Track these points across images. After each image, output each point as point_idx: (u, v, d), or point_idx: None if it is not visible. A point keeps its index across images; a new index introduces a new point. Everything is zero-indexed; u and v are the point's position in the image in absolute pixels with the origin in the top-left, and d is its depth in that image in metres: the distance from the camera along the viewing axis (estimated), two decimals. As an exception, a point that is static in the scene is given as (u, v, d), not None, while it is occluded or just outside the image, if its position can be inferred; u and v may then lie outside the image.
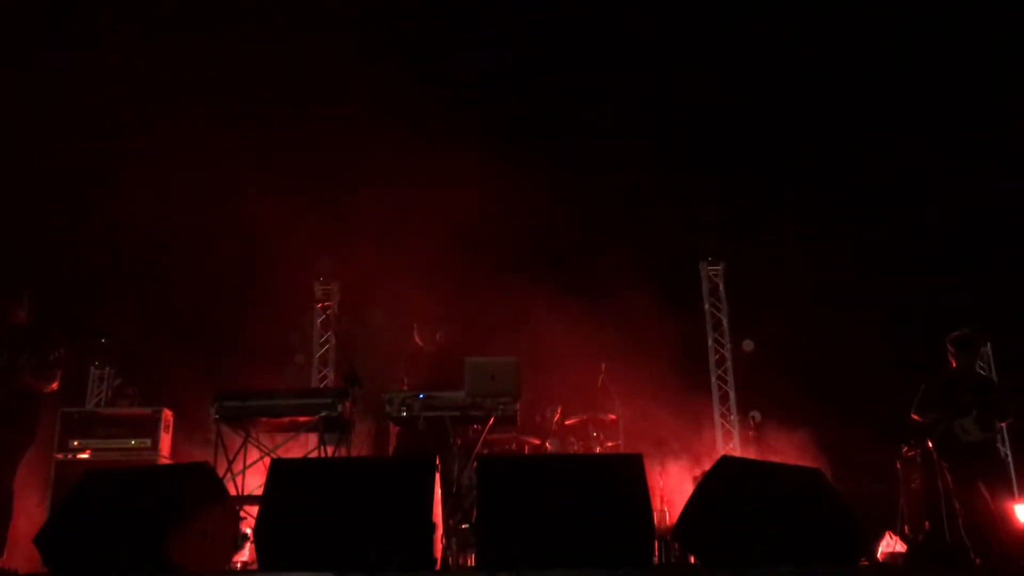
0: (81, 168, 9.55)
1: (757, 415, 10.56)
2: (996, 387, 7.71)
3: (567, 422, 8.95)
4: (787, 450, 9.76)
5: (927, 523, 8.01)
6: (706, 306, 11.22)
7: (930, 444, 7.21)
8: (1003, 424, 7.34)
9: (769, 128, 10.71)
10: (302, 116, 10.47)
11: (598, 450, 8.76)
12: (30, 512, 7.11)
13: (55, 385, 6.33)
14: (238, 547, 5.25)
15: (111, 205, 9.63)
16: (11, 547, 6.03)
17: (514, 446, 8.40)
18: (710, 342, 11.09)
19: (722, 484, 4.82)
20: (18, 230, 9.46)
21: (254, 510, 5.50)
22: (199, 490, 4.76)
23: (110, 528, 4.56)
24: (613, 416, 9.02)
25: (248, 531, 5.76)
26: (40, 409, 6.35)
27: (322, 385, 11.07)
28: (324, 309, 10.84)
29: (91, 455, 8.00)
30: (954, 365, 7.30)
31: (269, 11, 9.93)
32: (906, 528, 8.49)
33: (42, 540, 4.56)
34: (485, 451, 7.13)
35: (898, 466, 8.79)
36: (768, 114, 10.64)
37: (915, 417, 7.26)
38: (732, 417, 10.77)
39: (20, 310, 6.37)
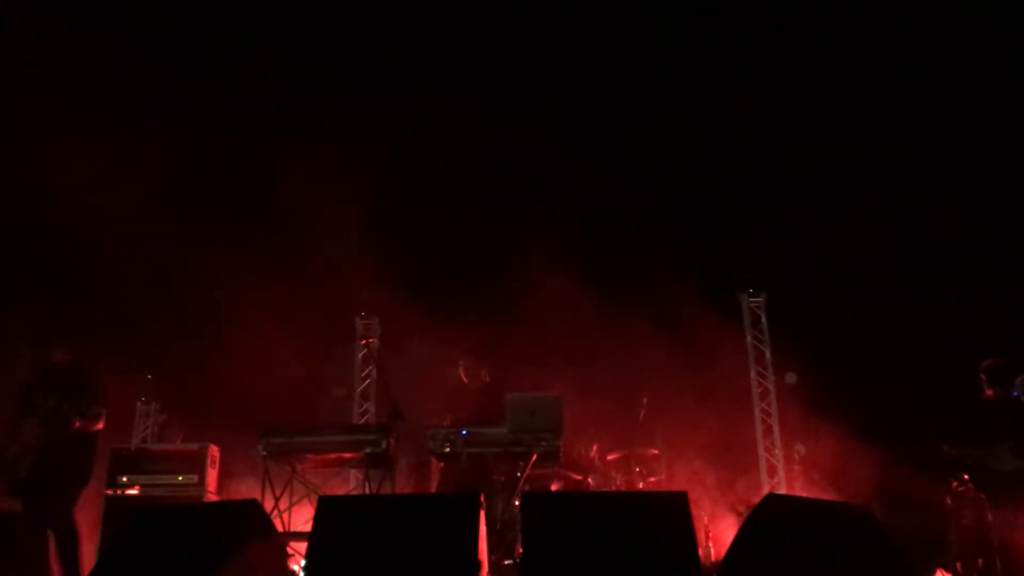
0: (125, 206, 9.77)
1: (802, 448, 10.42)
2: None
3: (609, 457, 8.91)
4: (833, 484, 9.62)
5: (980, 560, 7.82)
6: (748, 338, 11.13)
7: (966, 477, 7.06)
8: None
9: (809, 155, 10.65)
10: (342, 149, 10.65)
11: (640, 485, 8.70)
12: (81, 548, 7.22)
13: (101, 424, 6.50)
14: (286, 584, 5.31)
15: (155, 243, 9.85)
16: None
17: (555, 481, 8.38)
18: (752, 375, 10.99)
19: (768, 522, 4.78)
20: (68, 269, 9.71)
21: (300, 546, 5.57)
22: (248, 527, 4.83)
23: (161, 566, 4.64)
24: (655, 451, 8.97)
25: (296, 568, 5.82)
26: (94, 447, 6.53)
27: (363, 420, 11.15)
28: (367, 345, 10.94)
29: (140, 491, 8.13)
30: (988, 394, 7.15)
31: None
32: (958, 565, 8.28)
33: (96, 577, 4.66)
34: (527, 487, 7.13)
35: (948, 501, 8.59)
36: (806, 141, 10.60)
37: (947, 450, 7.12)
38: (776, 451, 10.63)
39: (62, 350, 6.55)
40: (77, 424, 6.31)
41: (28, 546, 6.00)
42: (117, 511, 7.86)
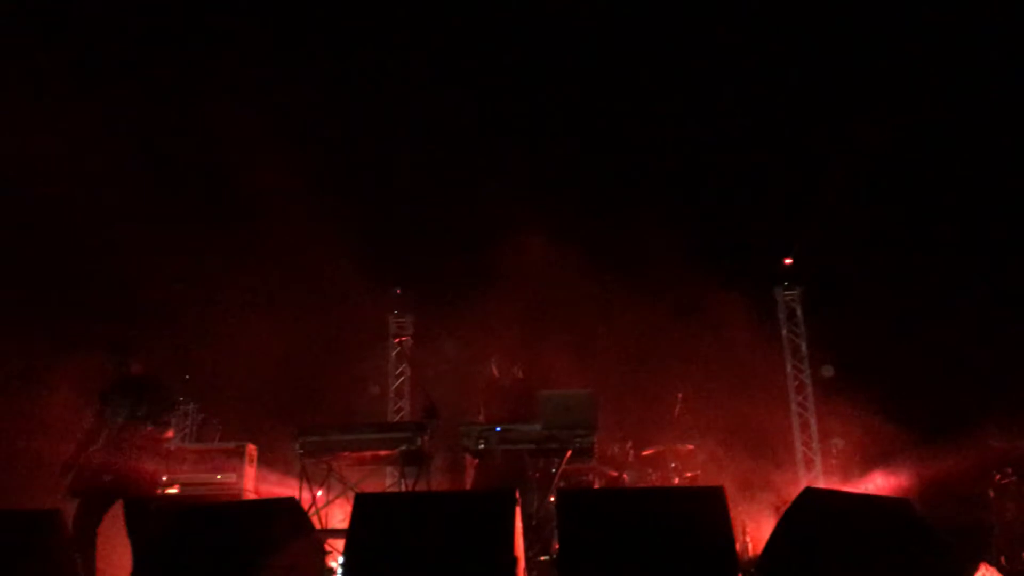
0: (174, 226, 9.91)
1: (839, 442, 10.32)
2: None
3: (644, 453, 8.88)
4: (872, 478, 9.52)
5: (1024, 553, 7.70)
6: (784, 332, 11.03)
7: (1009, 470, 6.94)
8: None
9: (841, 146, 10.51)
10: (378, 149, 10.68)
11: (676, 481, 8.67)
12: (125, 548, 7.34)
13: (171, 433, 6.70)
14: (324, 581, 5.35)
15: (189, 245, 9.98)
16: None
17: (591, 477, 8.37)
18: (788, 368, 10.90)
19: (806, 516, 4.74)
20: (104, 273, 9.83)
21: (338, 543, 5.62)
22: (287, 525, 4.87)
23: (201, 564, 4.70)
24: (691, 446, 8.92)
25: (334, 564, 5.87)
26: (161, 453, 6.73)
27: (398, 417, 11.21)
28: (400, 343, 11.01)
29: (179, 490, 8.24)
30: None
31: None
32: (1002, 559, 8.16)
33: None
34: (562, 483, 7.12)
35: (991, 494, 8.47)
36: (839, 131, 10.45)
37: (993, 443, 7.01)
38: (814, 445, 10.54)
39: (136, 362, 6.76)
40: (150, 430, 6.50)
41: (73, 546, 6.11)
42: (157, 510, 7.96)
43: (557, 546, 4.68)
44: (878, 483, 9.33)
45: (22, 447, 8.24)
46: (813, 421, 10.63)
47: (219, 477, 8.32)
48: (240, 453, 8.43)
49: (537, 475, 7.16)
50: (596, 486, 8.15)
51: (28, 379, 8.73)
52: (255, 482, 8.59)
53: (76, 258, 9.44)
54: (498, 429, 6.86)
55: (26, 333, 8.56)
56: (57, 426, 7.54)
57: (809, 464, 10.48)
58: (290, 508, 5.10)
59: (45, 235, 9.31)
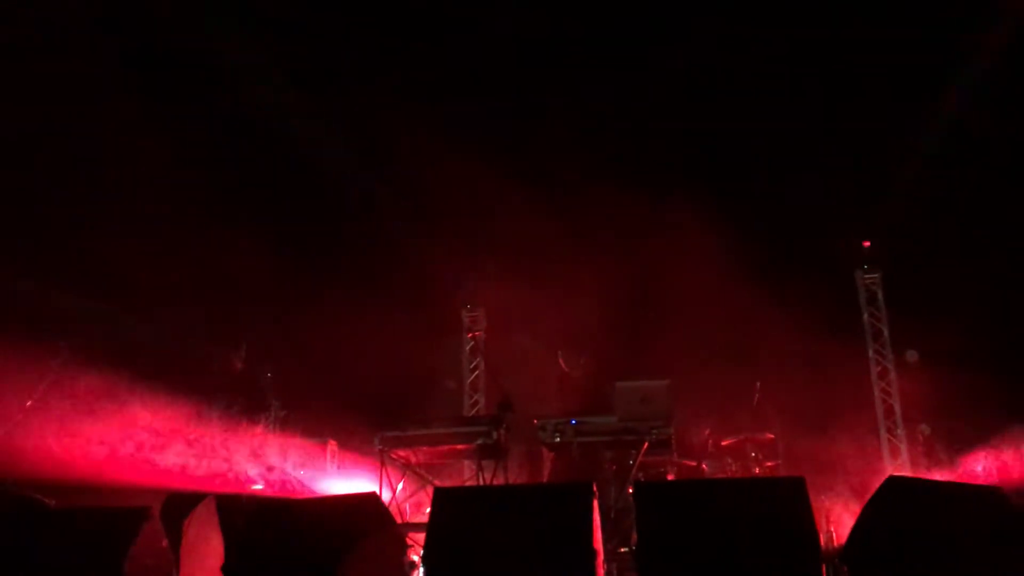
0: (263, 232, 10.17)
1: (926, 428, 10.02)
2: None
3: (723, 443, 8.77)
4: (961, 465, 9.22)
5: None
6: (864, 316, 10.75)
7: None
8: None
9: (920, 124, 10.20)
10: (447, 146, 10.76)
11: (756, 471, 8.54)
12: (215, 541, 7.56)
13: (261, 429, 6.93)
14: (406, 574, 5.44)
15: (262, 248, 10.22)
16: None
17: (669, 468, 8.31)
18: (871, 354, 10.61)
19: (891, 506, 4.64)
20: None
21: (419, 537, 5.70)
22: (368, 519, 4.97)
23: (286, 558, 4.84)
24: (771, 435, 8.79)
25: (415, 558, 5.96)
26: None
27: (473, 411, 11.30)
28: (474, 338, 11.09)
29: (264, 485, 8.45)
30: None
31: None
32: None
33: (228, 570, 4.89)
34: (640, 475, 7.10)
35: (1090, 481, 8.14)
36: (916, 110, 10.15)
37: None
38: (899, 431, 10.25)
39: (237, 360, 7.03)
40: (243, 424, 6.77)
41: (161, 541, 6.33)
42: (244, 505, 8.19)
43: (636, 538, 4.67)
44: (968, 470, 9.04)
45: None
46: (898, 407, 10.34)
47: (301, 472, 8.51)
48: (322, 448, 8.61)
49: (614, 467, 7.15)
50: (674, 477, 8.09)
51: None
52: (336, 477, 8.77)
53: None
54: (573, 422, 6.88)
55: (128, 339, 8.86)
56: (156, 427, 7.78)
57: (895, 451, 10.20)
58: (371, 502, 5.21)
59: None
